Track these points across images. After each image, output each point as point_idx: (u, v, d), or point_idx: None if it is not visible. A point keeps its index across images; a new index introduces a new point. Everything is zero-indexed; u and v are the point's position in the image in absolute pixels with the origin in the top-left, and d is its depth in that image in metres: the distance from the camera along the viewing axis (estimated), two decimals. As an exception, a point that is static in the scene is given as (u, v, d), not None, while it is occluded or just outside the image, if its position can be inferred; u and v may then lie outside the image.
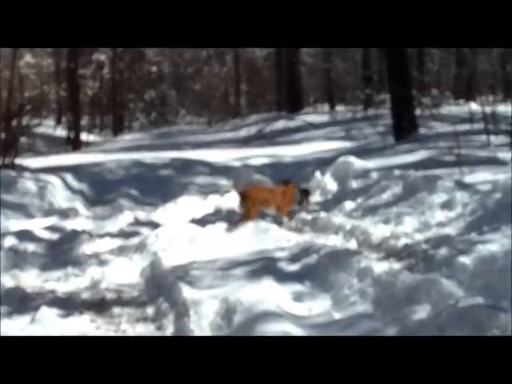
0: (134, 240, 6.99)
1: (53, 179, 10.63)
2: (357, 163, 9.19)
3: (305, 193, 7.92)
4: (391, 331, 3.73)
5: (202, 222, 7.57)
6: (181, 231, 6.93)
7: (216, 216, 8.06)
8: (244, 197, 7.22)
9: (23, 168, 11.91)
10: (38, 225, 8.13)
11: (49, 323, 4.48)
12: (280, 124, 20.45)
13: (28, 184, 10.04)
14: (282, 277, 5.01)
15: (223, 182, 10.71)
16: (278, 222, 7.24)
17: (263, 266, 5.35)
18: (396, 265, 5.05)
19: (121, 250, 6.75)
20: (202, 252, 6.14)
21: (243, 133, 20.36)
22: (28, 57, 25.36)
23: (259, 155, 13.58)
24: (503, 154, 8.25)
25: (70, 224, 8.19)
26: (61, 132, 24.04)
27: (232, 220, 7.44)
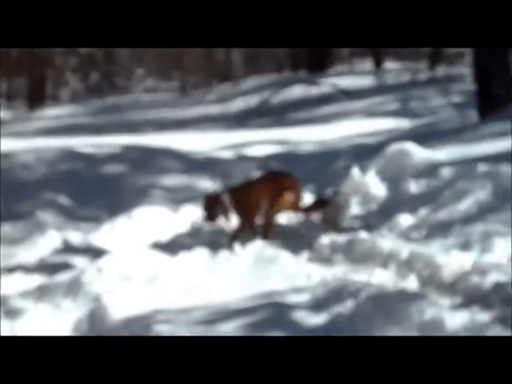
0: (64, 277, 7.00)
1: None
2: (419, 153, 9.21)
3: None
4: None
5: (171, 247, 7.59)
6: (138, 262, 6.94)
7: (194, 237, 8.08)
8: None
9: None
10: None
11: None
12: (296, 91, 20.53)
13: None
14: (300, 334, 5.03)
15: (205, 183, 10.74)
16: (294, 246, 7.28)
17: (270, 317, 5.39)
18: (482, 316, 5.08)
19: (42, 293, 6.77)
20: (172, 295, 6.16)
21: (237, 105, 20.44)
22: None
23: (262, 140, 13.63)
24: None
25: (-40, 251, 8.20)
26: None
27: (219, 243, 7.48)
